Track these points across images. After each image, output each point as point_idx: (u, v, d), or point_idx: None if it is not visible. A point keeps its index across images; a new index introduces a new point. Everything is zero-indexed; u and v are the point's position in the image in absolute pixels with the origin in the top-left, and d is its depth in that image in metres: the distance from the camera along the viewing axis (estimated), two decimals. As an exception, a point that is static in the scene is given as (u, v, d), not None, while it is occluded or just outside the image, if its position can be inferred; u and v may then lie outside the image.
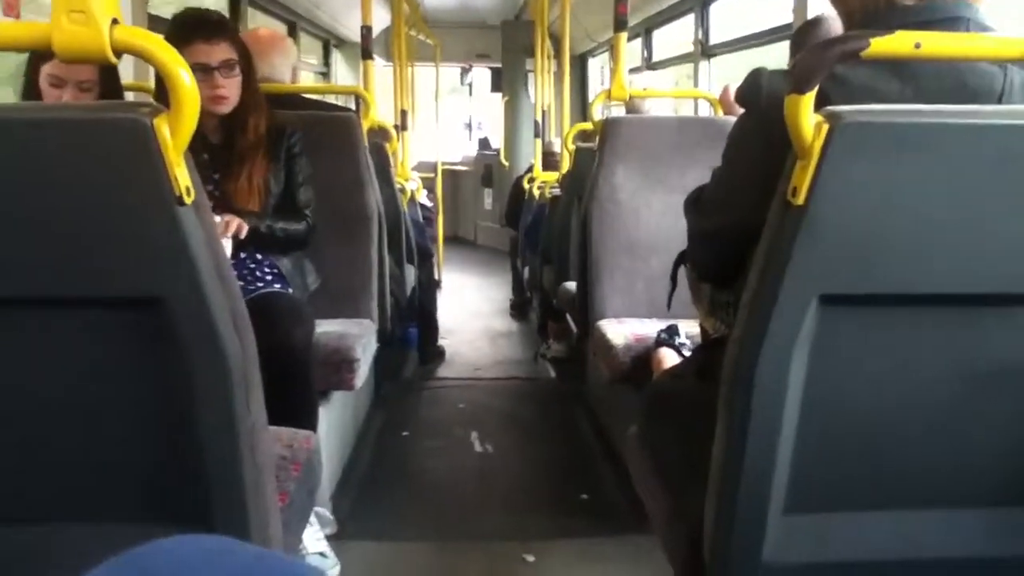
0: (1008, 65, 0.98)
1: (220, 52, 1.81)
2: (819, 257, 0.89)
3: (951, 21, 0.97)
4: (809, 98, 0.85)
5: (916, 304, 0.93)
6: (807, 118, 0.85)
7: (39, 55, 1.68)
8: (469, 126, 9.33)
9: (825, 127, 0.85)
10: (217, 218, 1.65)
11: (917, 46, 0.85)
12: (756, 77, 1.02)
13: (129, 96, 2.30)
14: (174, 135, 0.85)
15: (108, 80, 1.73)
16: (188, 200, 0.87)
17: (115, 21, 0.82)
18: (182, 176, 0.86)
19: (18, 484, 0.98)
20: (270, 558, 0.39)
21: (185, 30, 1.79)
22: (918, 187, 0.88)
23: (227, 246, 1.68)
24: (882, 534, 1.01)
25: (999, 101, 0.98)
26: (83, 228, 0.88)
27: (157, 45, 0.84)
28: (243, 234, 1.79)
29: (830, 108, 0.86)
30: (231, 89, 1.84)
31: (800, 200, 0.87)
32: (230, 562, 0.36)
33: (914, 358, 0.96)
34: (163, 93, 0.89)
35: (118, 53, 0.83)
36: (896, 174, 0.87)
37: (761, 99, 1.01)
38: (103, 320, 0.91)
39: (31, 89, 1.71)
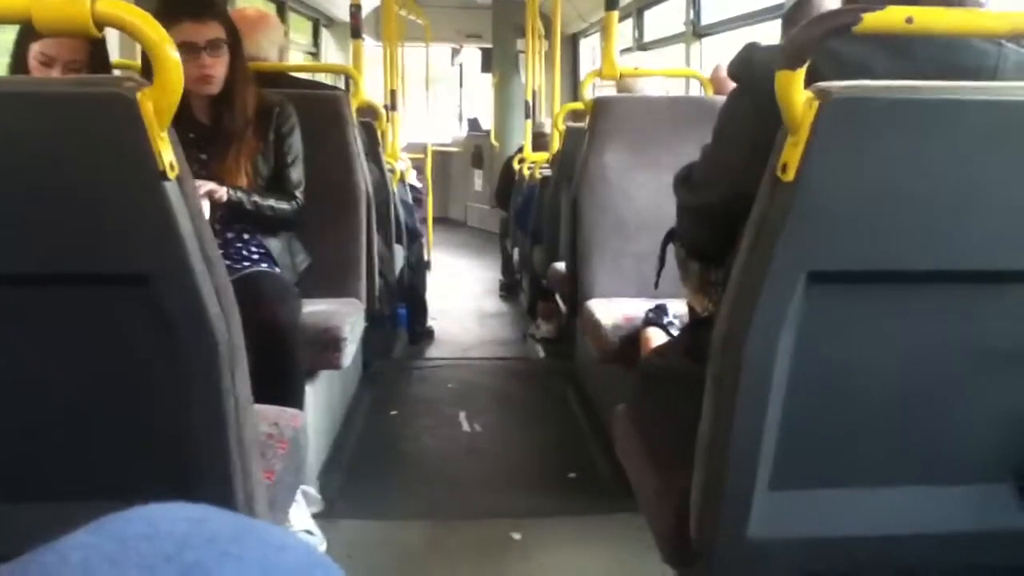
0: (1003, 42, 0.98)
1: (208, 31, 1.78)
2: (808, 234, 0.88)
3: None
4: (800, 74, 0.84)
5: (905, 281, 0.93)
6: (798, 94, 0.85)
7: (28, 33, 1.65)
8: (460, 110, 9.27)
9: (816, 103, 0.84)
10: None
11: (909, 21, 0.84)
12: (749, 51, 1.02)
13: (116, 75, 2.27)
14: (157, 110, 0.84)
15: (97, 60, 1.69)
16: (171, 175, 0.86)
17: None
18: (165, 151, 0.85)
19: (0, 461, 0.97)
20: (256, 526, 0.38)
21: (173, 8, 1.75)
22: (909, 164, 0.88)
23: (204, 208, 1.65)
24: (867, 510, 1.02)
25: (993, 78, 0.97)
26: (67, 204, 0.87)
27: (139, 18, 0.83)
28: (217, 196, 1.77)
29: (821, 84, 0.85)
30: (218, 69, 1.82)
31: (790, 176, 0.86)
32: (212, 529, 0.35)
33: (902, 335, 0.96)
34: (149, 69, 0.88)
35: (100, 27, 0.82)
36: (887, 150, 0.87)
37: (754, 73, 1.00)
38: (89, 297, 0.91)
39: (19, 67, 1.67)
